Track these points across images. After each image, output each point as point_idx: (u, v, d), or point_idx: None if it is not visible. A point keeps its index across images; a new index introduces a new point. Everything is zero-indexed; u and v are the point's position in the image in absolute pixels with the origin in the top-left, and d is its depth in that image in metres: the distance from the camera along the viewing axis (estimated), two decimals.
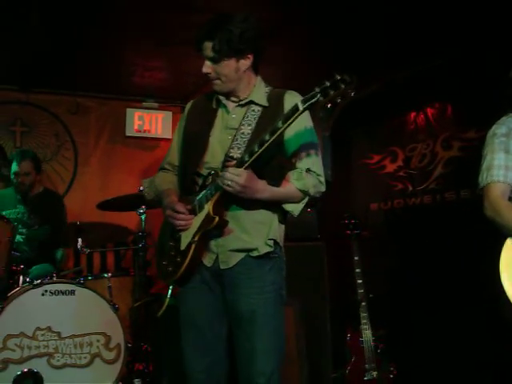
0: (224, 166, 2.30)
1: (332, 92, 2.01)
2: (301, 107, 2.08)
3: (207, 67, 2.37)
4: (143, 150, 5.81)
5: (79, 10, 3.82)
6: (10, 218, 4.17)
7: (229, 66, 2.36)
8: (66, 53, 4.54)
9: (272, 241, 2.39)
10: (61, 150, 5.55)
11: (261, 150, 2.16)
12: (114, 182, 5.60)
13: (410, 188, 4.93)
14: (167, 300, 2.44)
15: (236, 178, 2.18)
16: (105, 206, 4.43)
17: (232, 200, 2.32)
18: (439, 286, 4.40)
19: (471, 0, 3.55)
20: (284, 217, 2.48)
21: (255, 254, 2.35)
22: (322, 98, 2.03)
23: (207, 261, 2.38)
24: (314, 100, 2.05)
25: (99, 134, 5.71)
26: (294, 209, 2.41)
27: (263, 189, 2.29)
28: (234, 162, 2.26)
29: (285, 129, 2.15)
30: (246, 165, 2.20)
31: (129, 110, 5.73)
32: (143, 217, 4.22)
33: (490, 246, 2.40)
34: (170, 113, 5.89)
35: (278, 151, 2.34)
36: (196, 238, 2.32)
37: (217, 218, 2.26)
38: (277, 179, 2.35)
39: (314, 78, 2.09)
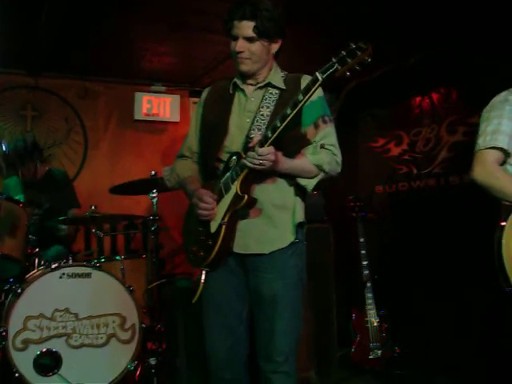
0: (246, 147, 2.31)
1: (349, 60, 2.02)
2: (320, 78, 2.08)
3: (242, 46, 2.39)
4: (152, 133, 5.82)
5: None
6: None
7: (263, 46, 2.41)
8: (75, 37, 4.52)
9: (295, 227, 2.43)
10: (71, 134, 5.55)
11: (284, 125, 2.18)
12: (123, 165, 5.63)
13: (415, 171, 5.00)
14: (201, 285, 2.43)
15: (266, 156, 2.20)
16: (116, 190, 4.48)
17: (254, 181, 2.35)
18: (442, 266, 4.49)
19: None
20: (304, 194, 2.51)
21: (277, 247, 2.39)
22: (339, 68, 2.04)
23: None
24: (332, 70, 2.05)
25: (108, 117, 5.71)
26: (308, 183, 2.43)
27: (282, 160, 2.31)
28: (258, 139, 2.24)
29: (306, 101, 2.15)
30: (270, 141, 2.21)
31: (137, 94, 5.72)
32: (155, 200, 4.27)
33: (490, 227, 2.42)
34: (178, 96, 5.90)
35: (296, 124, 2.35)
36: (226, 219, 2.33)
37: (246, 197, 2.29)
38: (292, 152, 2.38)
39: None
